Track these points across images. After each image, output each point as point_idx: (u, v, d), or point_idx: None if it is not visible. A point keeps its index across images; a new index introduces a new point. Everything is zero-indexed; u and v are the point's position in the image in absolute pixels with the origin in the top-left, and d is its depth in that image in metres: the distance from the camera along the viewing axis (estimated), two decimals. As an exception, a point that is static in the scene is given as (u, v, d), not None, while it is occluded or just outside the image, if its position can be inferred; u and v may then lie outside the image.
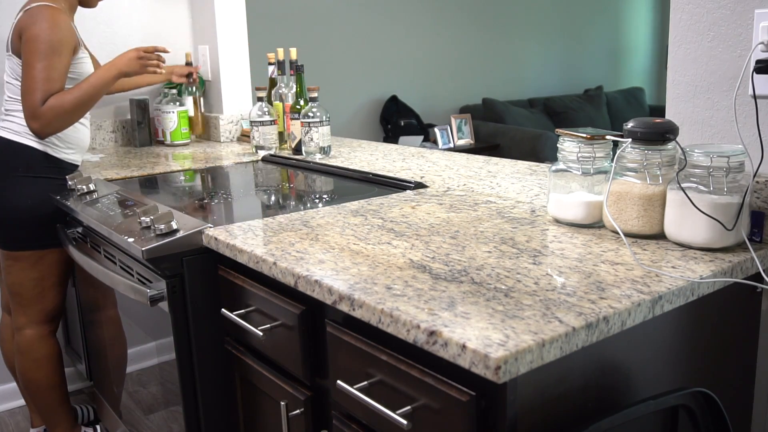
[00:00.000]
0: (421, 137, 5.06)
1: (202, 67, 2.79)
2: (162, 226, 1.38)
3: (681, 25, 1.26)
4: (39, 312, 2.03)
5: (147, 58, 2.07)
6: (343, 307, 0.99)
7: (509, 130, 5.25)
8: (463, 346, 0.80)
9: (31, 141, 1.97)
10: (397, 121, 5.05)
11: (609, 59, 6.84)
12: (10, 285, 2.02)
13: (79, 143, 2.09)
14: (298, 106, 2.27)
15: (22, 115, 1.93)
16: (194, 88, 2.73)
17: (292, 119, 2.29)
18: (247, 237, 1.31)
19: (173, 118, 2.66)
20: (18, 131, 1.96)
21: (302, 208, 1.56)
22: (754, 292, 1.16)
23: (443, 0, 5.37)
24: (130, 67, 2.03)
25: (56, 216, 1.97)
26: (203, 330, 1.43)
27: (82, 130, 2.07)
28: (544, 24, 6.15)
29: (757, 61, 1.13)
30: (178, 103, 2.68)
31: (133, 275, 1.56)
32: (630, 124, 1.16)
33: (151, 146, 2.70)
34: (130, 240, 1.41)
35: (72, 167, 2.08)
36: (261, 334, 1.22)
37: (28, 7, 1.91)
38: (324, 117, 2.17)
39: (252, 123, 2.37)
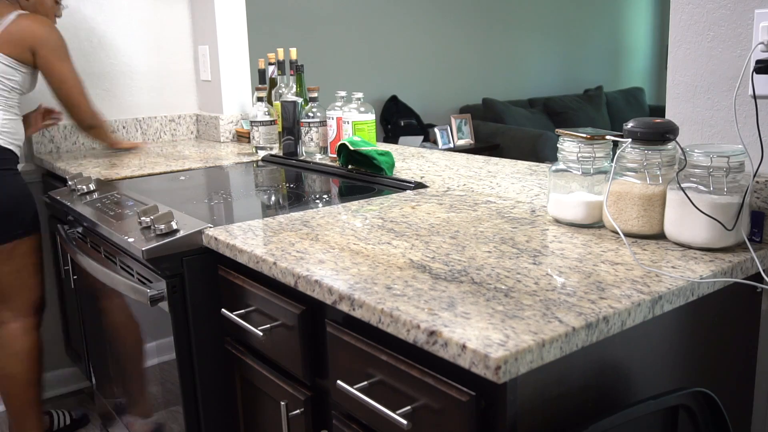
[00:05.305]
0: (421, 137, 5.06)
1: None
2: (162, 226, 1.38)
3: (681, 25, 1.26)
4: (23, 303, 2.03)
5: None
6: (343, 307, 0.99)
7: (509, 130, 5.25)
8: (463, 346, 0.80)
9: None
10: (397, 121, 5.04)
11: (609, 59, 6.84)
12: None
13: (22, 136, 2.14)
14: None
15: None
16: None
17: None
18: (247, 237, 1.31)
19: None
20: None
21: (302, 208, 1.56)
22: (754, 292, 1.16)
23: (443, 0, 5.37)
24: (120, 144, 2.50)
25: (19, 206, 1.97)
26: (203, 330, 1.43)
27: (21, 124, 2.13)
28: (544, 24, 6.15)
29: (757, 61, 1.13)
30: None
31: (133, 275, 1.56)
32: (630, 124, 1.16)
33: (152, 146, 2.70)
34: (130, 240, 1.41)
35: (15, 158, 2.08)
36: (261, 334, 1.22)
37: (22, 13, 2.03)
38: (324, 117, 2.18)
39: (252, 123, 2.37)
